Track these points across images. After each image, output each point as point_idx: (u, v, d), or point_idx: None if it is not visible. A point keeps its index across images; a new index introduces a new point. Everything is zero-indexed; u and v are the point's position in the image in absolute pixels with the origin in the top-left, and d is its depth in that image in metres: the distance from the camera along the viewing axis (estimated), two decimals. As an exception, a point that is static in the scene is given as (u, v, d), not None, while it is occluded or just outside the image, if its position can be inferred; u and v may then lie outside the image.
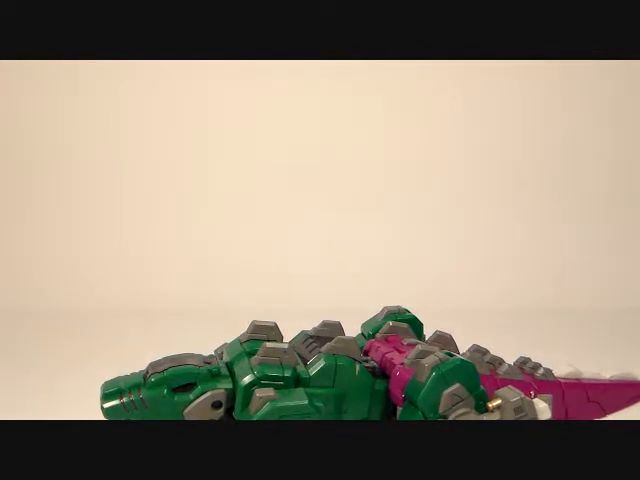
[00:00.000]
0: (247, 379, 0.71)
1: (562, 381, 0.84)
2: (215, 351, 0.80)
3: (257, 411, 0.68)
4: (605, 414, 0.85)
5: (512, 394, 0.68)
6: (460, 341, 0.85)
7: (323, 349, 0.75)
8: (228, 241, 2.02)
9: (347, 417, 0.74)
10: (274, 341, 0.76)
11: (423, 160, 2.11)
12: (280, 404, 0.68)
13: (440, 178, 2.12)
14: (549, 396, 0.81)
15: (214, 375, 0.72)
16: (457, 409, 0.68)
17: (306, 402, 0.68)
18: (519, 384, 0.77)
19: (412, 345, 0.78)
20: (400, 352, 0.78)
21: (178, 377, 0.72)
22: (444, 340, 0.83)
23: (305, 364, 0.75)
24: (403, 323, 0.85)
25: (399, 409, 0.73)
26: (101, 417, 0.72)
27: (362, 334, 0.87)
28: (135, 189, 2.06)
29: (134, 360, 0.81)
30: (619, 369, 0.87)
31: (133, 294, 1.90)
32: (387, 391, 0.75)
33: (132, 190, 2.06)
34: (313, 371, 0.73)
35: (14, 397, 1.24)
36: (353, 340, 0.76)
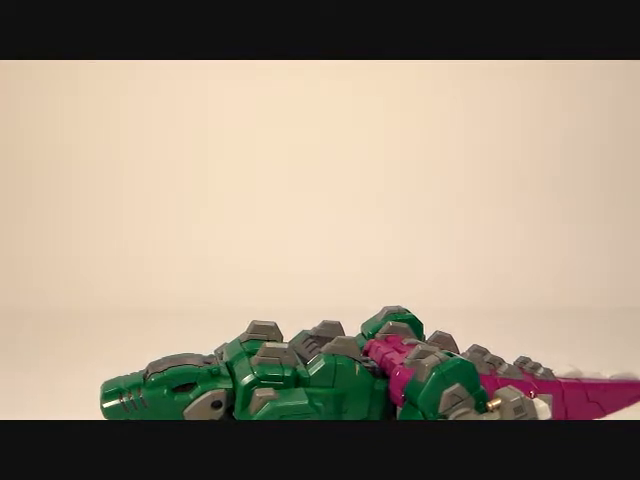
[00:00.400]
0: (247, 379, 0.71)
1: (562, 381, 0.83)
2: (215, 351, 0.80)
3: (257, 411, 0.68)
4: (605, 414, 0.85)
5: (512, 394, 0.68)
6: (460, 341, 0.85)
7: (323, 349, 0.75)
8: (228, 241, 2.02)
9: (347, 417, 0.74)
10: (274, 341, 0.76)
11: (423, 160, 2.11)
12: (280, 404, 0.68)
13: (440, 178, 2.12)
14: (549, 396, 0.81)
15: (214, 375, 0.72)
16: (457, 409, 0.68)
17: (306, 402, 0.68)
18: (519, 384, 0.77)
19: (412, 345, 0.78)
20: (400, 352, 0.77)
21: (178, 377, 0.72)
22: (444, 340, 0.83)
23: (305, 364, 0.75)
24: (403, 323, 0.85)
25: (399, 409, 0.73)
26: (101, 417, 0.72)
27: (362, 334, 0.87)
28: (135, 189, 2.07)
29: (134, 360, 0.81)
30: (619, 369, 0.87)
31: (133, 294, 1.90)
32: (387, 391, 0.75)
33: (132, 190, 2.06)
34: (313, 371, 0.73)
35: (14, 397, 1.24)
36: (353, 340, 0.76)
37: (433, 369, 0.69)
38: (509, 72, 2.06)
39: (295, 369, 0.72)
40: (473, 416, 0.68)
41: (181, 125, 2.08)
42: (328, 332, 0.83)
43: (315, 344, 0.79)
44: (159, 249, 2.01)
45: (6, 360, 1.47)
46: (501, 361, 0.82)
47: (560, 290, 1.98)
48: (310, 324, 0.86)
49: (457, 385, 0.68)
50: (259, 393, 0.69)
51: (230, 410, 0.72)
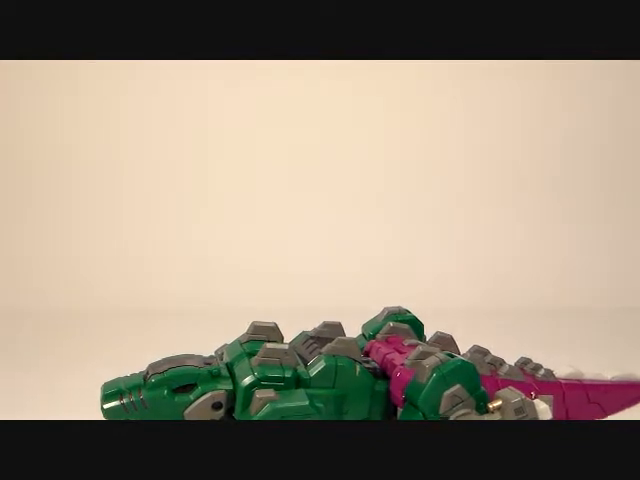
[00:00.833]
0: (247, 380, 0.70)
1: (563, 382, 0.83)
2: (215, 352, 0.80)
3: (257, 412, 0.67)
4: (606, 415, 0.85)
5: (513, 395, 0.69)
6: (461, 342, 0.85)
7: (323, 350, 0.75)
8: (228, 241, 2.02)
9: (348, 418, 0.74)
10: (274, 342, 0.76)
11: (423, 160, 2.11)
12: (280, 405, 0.68)
13: (440, 178, 2.12)
14: (550, 397, 0.81)
15: (214, 376, 0.72)
16: (457, 410, 0.68)
17: (307, 403, 0.68)
18: (520, 385, 0.77)
19: (413, 346, 0.78)
20: (401, 353, 0.77)
21: (178, 378, 0.72)
22: (445, 341, 0.83)
23: (306, 365, 0.75)
24: (404, 324, 0.85)
25: (399, 410, 0.72)
26: (101, 417, 0.72)
27: (363, 335, 0.87)
28: (135, 189, 2.06)
29: (134, 360, 0.81)
30: (620, 370, 0.87)
31: (133, 294, 1.90)
32: (388, 392, 0.74)
33: (132, 190, 2.06)
34: (313, 372, 0.73)
35: (14, 397, 1.23)
36: (353, 341, 0.76)
37: (434, 370, 0.69)
38: (509, 72, 2.06)
39: (296, 370, 0.72)
40: (474, 417, 0.68)
41: (181, 125, 2.08)
42: (329, 333, 0.83)
43: (315, 345, 0.79)
44: (159, 249, 2.01)
45: (6, 360, 1.47)
46: (502, 362, 0.82)
47: (560, 290, 1.98)
48: (310, 324, 0.86)
49: (458, 386, 0.68)
50: (259, 394, 0.68)
51: (230, 411, 0.72)
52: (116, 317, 1.78)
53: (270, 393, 0.69)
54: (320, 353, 0.75)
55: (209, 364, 0.74)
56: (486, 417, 0.68)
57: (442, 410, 0.68)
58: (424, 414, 0.68)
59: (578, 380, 0.85)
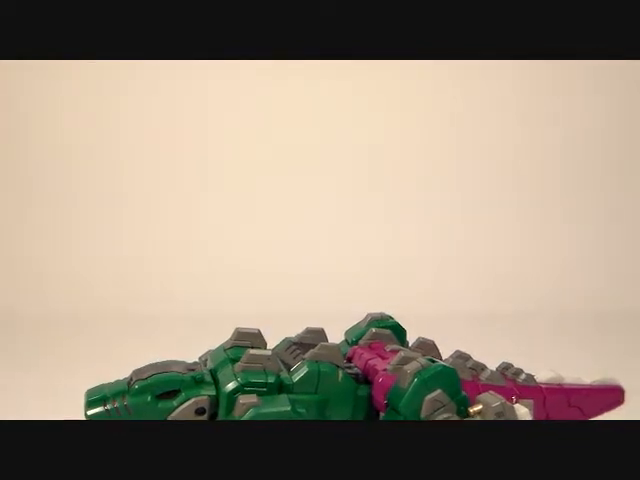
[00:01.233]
0: (230, 386, 0.71)
1: (543, 386, 0.84)
2: (199, 358, 0.80)
3: (240, 417, 0.68)
4: (586, 418, 0.85)
5: (493, 399, 0.69)
6: (461, 343, 0.85)
7: (306, 356, 0.75)
8: (228, 241, 2.02)
9: (330, 423, 0.74)
10: (258, 348, 0.76)
11: (423, 160, 2.11)
12: (263, 410, 0.68)
13: (440, 178, 2.12)
14: (530, 401, 0.81)
15: (198, 382, 0.72)
16: (439, 414, 0.68)
17: (289, 408, 0.69)
18: (501, 389, 0.77)
19: (395, 351, 0.78)
20: (383, 358, 0.78)
21: (162, 384, 0.71)
22: (427, 346, 0.84)
23: (289, 371, 0.75)
24: (386, 330, 0.85)
25: (382, 415, 0.73)
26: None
27: (345, 341, 0.87)
28: (135, 189, 2.06)
29: (134, 360, 0.80)
30: (601, 374, 0.88)
31: (133, 295, 1.90)
32: (370, 397, 0.75)
33: (132, 190, 2.06)
34: (296, 377, 0.73)
35: (14, 397, 1.24)
36: (336, 347, 0.76)
37: (415, 375, 0.69)
38: (509, 72, 2.06)
39: (278, 376, 0.73)
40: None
41: (181, 125, 2.08)
42: (311, 339, 0.83)
43: (299, 351, 0.79)
44: (159, 249, 2.01)
45: (6, 360, 1.47)
46: (483, 367, 0.83)
47: (560, 290, 1.98)
48: (294, 330, 0.86)
49: (439, 391, 0.69)
50: (242, 399, 0.69)
51: (214, 417, 0.72)
52: (116, 318, 1.78)
53: (253, 398, 0.69)
54: (303, 359, 0.75)
55: (193, 370, 0.74)
56: (467, 421, 0.69)
57: (423, 414, 0.68)
58: (405, 419, 0.69)
59: (559, 384, 0.85)
